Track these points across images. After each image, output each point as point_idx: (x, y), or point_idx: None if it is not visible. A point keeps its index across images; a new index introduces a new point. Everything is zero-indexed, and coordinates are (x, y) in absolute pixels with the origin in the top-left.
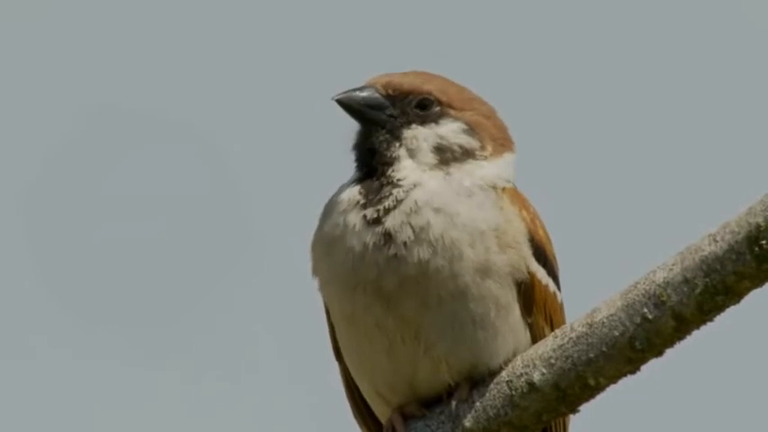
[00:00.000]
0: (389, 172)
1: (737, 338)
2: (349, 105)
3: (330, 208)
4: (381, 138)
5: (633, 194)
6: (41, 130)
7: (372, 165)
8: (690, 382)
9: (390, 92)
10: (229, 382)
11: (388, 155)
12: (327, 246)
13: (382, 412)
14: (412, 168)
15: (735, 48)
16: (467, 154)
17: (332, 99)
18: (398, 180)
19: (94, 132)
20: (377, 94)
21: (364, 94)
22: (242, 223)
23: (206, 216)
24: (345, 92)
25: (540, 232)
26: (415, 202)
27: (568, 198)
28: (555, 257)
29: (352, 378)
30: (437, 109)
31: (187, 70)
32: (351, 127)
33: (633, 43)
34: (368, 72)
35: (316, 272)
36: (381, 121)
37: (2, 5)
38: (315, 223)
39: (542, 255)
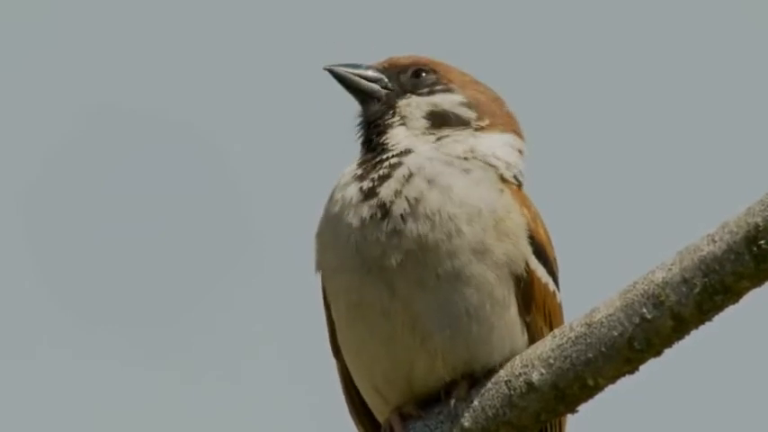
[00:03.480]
0: (383, 139)
1: (736, 338)
2: (340, 75)
3: (333, 188)
4: (376, 109)
5: (632, 194)
6: (41, 130)
7: (370, 137)
8: (689, 382)
9: (387, 65)
10: (229, 382)
11: (382, 124)
12: (332, 229)
13: (380, 410)
14: (404, 134)
15: (735, 48)
16: (461, 122)
17: (323, 68)
18: (392, 146)
19: (94, 132)
20: (371, 68)
21: (359, 69)
22: (242, 223)
23: (206, 216)
24: (339, 64)
25: (541, 231)
26: (408, 169)
27: (568, 198)
28: (555, 259)
29: (349, 376)
30: (433, 79)
31: (187, 70)
32: (354, 112)
33: (633, 43)
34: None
35: (321, 263)
36: (375, 92)
37: (2, 5)
38: (316, 220)
39: (542, 254)
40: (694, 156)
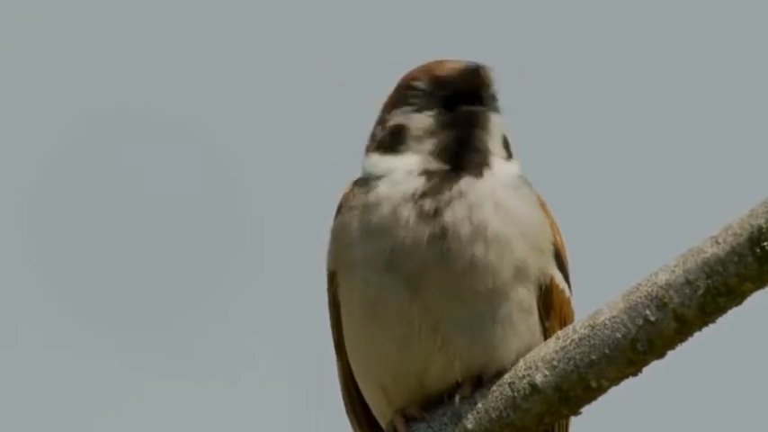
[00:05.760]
0: (482, 162)
1: (739, 340)
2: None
3: (376, 196)
4: (485, 127)
5: (635, 196)
6: (42, 130)
7: (467, 154)
8: (691, 383)
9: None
10: (229, 382)
11: (484, 146)
12: (366, 224)
13: (382, 411)
14: (497, 160)
15: (735, 48)
16: (509, 146)
17: (489, 93)
18: (485, 168)
19: (94, 133)
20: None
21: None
22: (242, 223)
23: (206, 216)
24: (485, 76)
25: (558, 236)
26: (480, 195)
27: (570, 199)
28: (567, 262)
29: (351, 376)
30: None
31: (187, 70)
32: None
33: (634, 43)
34: (369, 72)
35: (340, 257)
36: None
37: (2, 5)
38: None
39: (559, 258)
40: (697, 157)
